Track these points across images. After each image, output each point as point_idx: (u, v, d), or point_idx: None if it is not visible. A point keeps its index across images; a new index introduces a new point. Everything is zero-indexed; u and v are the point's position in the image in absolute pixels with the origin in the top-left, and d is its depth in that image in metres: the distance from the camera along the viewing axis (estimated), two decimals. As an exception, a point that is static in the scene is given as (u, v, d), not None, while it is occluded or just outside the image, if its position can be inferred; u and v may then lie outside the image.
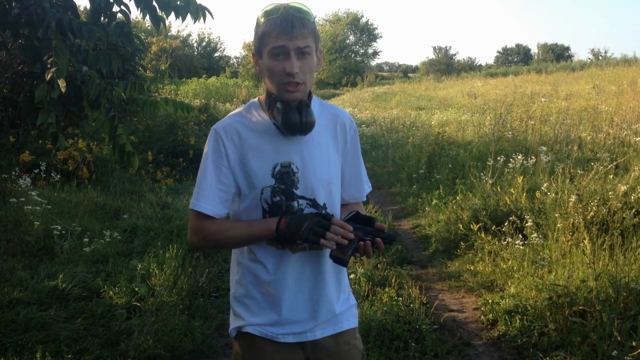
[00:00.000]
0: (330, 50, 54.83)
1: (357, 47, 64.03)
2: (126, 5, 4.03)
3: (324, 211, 1.96)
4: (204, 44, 51.71)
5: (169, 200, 7.57)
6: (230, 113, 2.03)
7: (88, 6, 3.95)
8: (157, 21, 4.07)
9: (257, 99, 2.01)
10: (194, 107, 12.59)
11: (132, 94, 4.41)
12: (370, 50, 64.76)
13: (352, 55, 61.59)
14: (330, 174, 1.99)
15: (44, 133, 4.00)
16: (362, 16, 63.91)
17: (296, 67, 1.80)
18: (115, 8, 3.99)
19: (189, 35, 49.97)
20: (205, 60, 47.27)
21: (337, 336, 2.03)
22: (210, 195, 1.90)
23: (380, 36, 63.66)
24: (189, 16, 4.00)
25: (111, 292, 4.53)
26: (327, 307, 1.99)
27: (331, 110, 2.06)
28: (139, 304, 4.37)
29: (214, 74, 34.44)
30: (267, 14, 1.84)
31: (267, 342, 1.96)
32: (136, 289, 4.56)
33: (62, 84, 3.65)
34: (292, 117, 1.83)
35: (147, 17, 4.08)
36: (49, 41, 3.72)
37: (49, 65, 3.71)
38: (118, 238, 5.80)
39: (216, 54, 53.60)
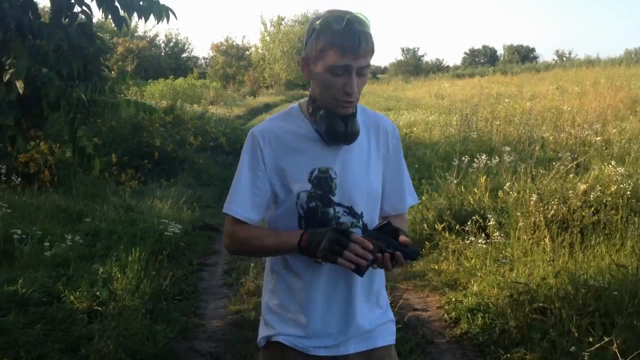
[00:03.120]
0: (300, 51, 54.82)
1: (326, 48, 64.04)
2: (88, 6, 3.99)
3: (361, 220, 1.91)
4: (171, 44, 51.30)
5: (133, 203, 7.49)
6: (269, 117, 1.99)
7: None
8: (120, 22, 4.03)
9: (297, 104, 1.97)
10: (158, 108, 12.49)
11: (93, 95, 4.36)
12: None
13: (321, 56, 61.53)
14: (370, 182, 1.94)
15: (3, 135, 3.94)
16: (331, 17, 63.90)
17: (355, 87, 1.76)
18: (77, 9, 3.94)
19: (156, 35, 49.51)
20: (172, 61, 46.88)
21: (370, 353, 1.97)
22: (243, 200, 1.88)
23: (349, 37, 63.39)
24: (152, 17, 3.98)
25: (72, 297, 4.47)
26: (359, 320, 1.93)
27: (373, 116, 2.00)
28: (100, 309, 4.33)
29: (182, 75, 34.17)
30: (330, 24, 1.74)
31: (297, 354, 1.91)
32: (97, 293, 4.51)
33: (20, 85, 3.60)
34: (337, 126, 1.80)
35: (110, 17, 4.05)
36: (8, 42, 3.67)
37: (7, 67, 3.65)
38: (80, 242, 5.70)
39: (184, 55, 53.24)
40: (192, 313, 4.64)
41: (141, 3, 3.90)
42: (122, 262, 5.09)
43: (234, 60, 53.27)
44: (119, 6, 3.91)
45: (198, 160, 11.22)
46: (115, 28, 4.53)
